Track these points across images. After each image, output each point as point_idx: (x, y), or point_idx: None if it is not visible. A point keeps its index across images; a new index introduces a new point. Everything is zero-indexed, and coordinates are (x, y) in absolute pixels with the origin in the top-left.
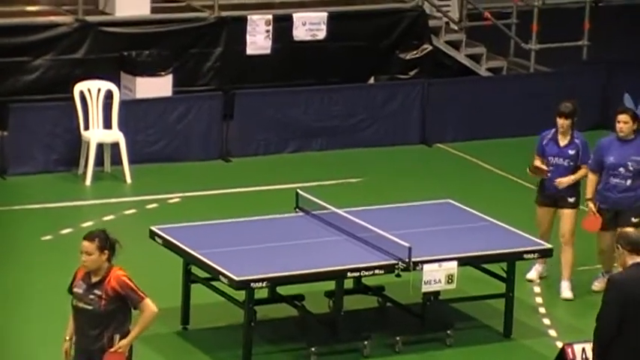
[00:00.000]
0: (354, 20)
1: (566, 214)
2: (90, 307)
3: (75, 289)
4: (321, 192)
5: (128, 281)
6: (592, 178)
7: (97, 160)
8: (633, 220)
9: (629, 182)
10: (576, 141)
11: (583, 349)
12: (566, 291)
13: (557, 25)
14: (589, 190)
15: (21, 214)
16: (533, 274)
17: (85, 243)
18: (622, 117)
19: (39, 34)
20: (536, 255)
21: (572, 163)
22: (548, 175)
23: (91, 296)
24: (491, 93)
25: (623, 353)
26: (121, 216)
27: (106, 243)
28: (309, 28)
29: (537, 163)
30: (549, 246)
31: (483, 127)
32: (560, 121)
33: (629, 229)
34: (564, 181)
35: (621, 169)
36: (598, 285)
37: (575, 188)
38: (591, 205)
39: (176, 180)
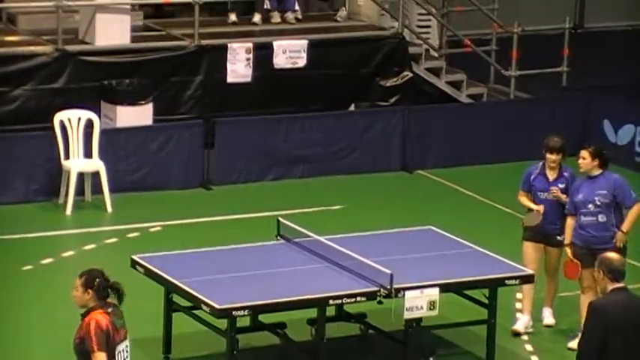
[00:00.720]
0: (335, 48)
1: (553, 252)
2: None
3: None
4: (303, 219)
5: (92, 327)
6: (569, 223)
7: (77, 190)
8: None
9: (600, 218)
10: (565, 174)
11: None
12: (548, 317)
13: (536, 52)
14: (567, 236)
15: (1, 244)
16: (519, 326)
17: (76, 278)
18: (581, 152)
19: (19, 63)
20: (517, 281)
21: (553, 198)
22: (541, 216)
23: (76, 332)
24: (471, 120)
25: None
26: (102, 245)
27: (92, 283)
28: (289, 55)
29: (528, 203)
30: (531, 272)
31: (464, 154)
32: (552, 157)
33: (611, 255)
34: (555, 193)
35: (590, 206)
36: None
37: (563, 227)
38: (569, 251)
39: (157, 209)
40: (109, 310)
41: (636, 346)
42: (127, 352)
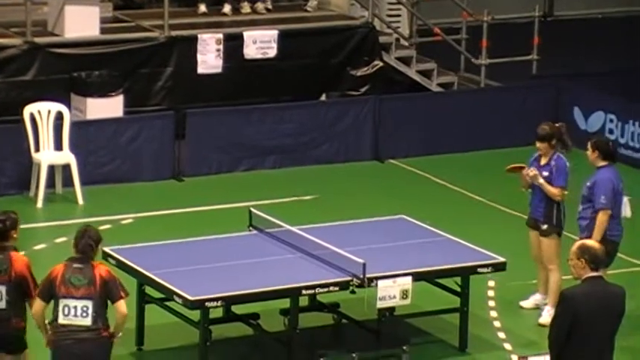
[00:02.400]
0: (305, 38)
1: (542, 242)
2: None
3: None
4: (275, 210)
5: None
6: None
7: (48, 182)
8: None
9: (579, 208)
10: (552, 162)
11: None
12: (544, 316)
13: (506, 40)
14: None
15: None
16: (529, 303)
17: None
18: (588, 145)
19: None
20: (489, 269)
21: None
22: (525, 169)
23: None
24: (442, 108)
25: None
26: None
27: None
28: (259, 46)
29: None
30: (502, 259)
31: (435, 143)
32: (537, 144)
33: (592, 244)
34: (531, 174)
35: (582, 196)
36: None
37: (548, 214)
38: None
39: (128, 201)
40: (74, 264)
41: (603, 334)
42: (77, 310)
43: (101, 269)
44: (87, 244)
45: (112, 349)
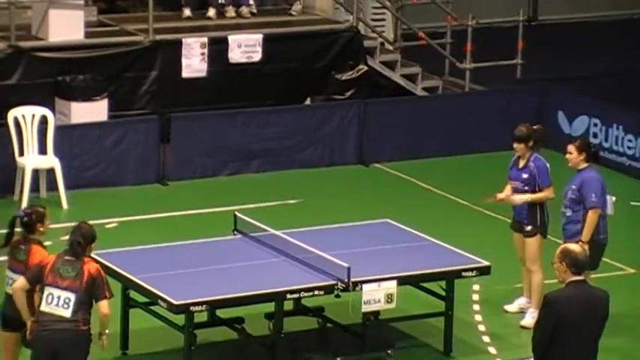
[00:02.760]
0: (290, 42)
1: (526, 243)
2: None
3: None
4: (260, 214)
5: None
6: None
7: (32, 186)
8: None
9: (568, 212)
10: (530, 164)
11: None
12: (527, 318)
13: (491, 44)
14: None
15: None
16: (514, 307)
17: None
18: (568, 147)
19: None
20: (474, 272)
21: (527, 188)
22: (497, 197)
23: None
24: (427, 112)
25: None
26: (58, 242)
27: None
28: (244, 50)
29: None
30: (487, 263)
31: (420, 147)
32: (515, 145)
33: (574, 247)
34: (516, 199)
35: (565, 200)
36: None
37: (532, 215)
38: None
39: (113, 205)
40: (66, 256)
41: (586, 337)
42: (59, 300)
43: (91, 266)
44: (75, 240)
45: (98, 354)
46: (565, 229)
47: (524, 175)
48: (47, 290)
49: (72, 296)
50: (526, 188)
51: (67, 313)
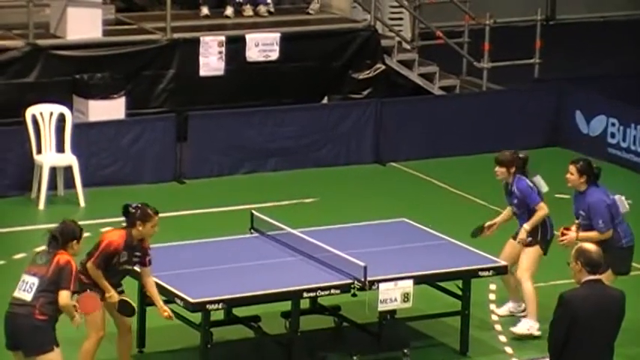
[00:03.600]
0: (307, 41)
1: (524, 251)
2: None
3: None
4: (276, 212)
5: None
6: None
7: (50, 184)
8: None
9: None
10: (515, 191)
11: None
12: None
13: (508, 44)
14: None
15: None
16: (504, 311)
17: None
18: (569, 167)
19: None
20: (491, 272)
21: (522, 209)
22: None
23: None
24: (444, 112)
25: None
26: None
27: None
28: (262, 49)
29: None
30: (503, 263)
31: (437, 146)
32: (496, 168)
33: (590, 247)
34: (518, 238)
35: (578, 221)
36: None
37: (532, 231)
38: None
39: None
40: (47, 248)
41: (601, 337)
42: (26, 284)
43: (62, 257)
44: (51, 234)
45: (114, 352)
46: None
47: (515, 201)
48: (22, 277)
49: (36, 282)
50: (522, 210)
51: (28, 297)
